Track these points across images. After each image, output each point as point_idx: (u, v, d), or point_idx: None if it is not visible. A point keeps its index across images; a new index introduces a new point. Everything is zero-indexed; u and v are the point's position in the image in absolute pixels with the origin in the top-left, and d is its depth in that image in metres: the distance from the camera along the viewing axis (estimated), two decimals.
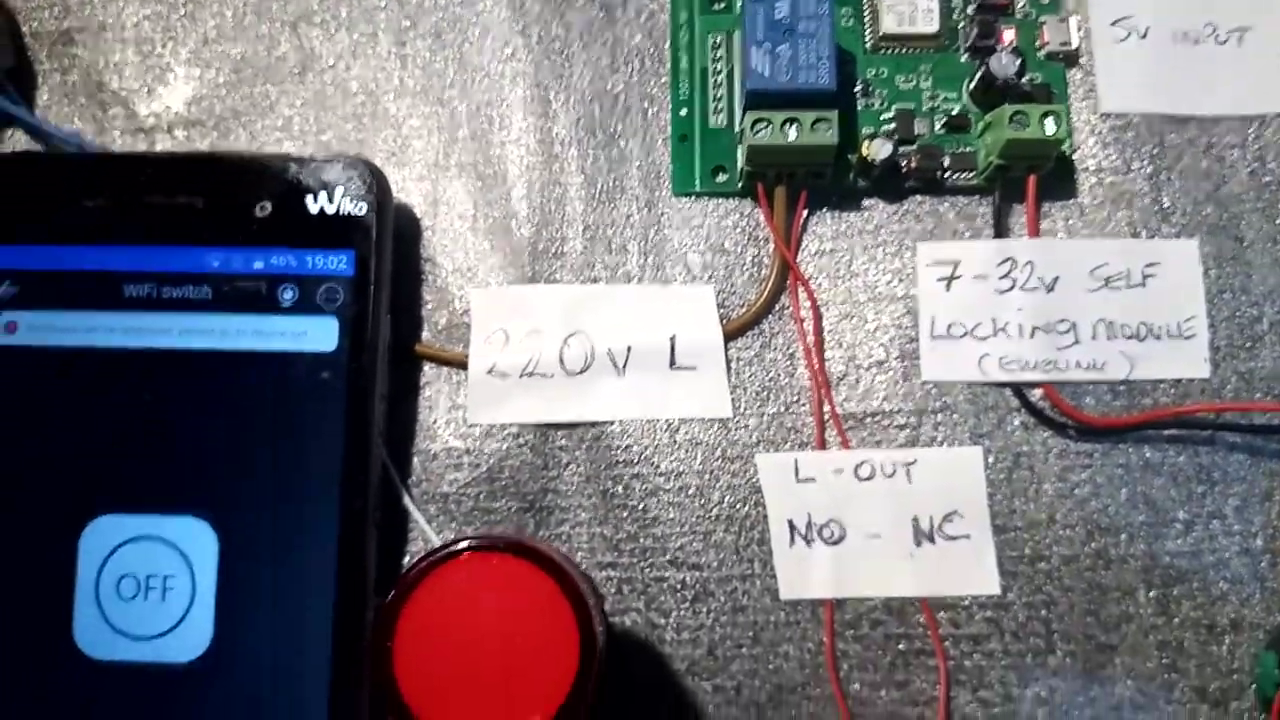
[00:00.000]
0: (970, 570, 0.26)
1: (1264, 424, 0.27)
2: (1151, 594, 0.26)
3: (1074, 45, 0.28)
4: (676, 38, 0.29)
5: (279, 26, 0.29)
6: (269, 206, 0.26)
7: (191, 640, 0.25)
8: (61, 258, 0.27)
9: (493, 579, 0.20)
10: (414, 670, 0.19)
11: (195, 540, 0.25)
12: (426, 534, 0.26)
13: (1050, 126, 0.26)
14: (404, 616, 0.19)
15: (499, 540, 0.20)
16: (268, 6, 0.30)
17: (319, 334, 0.26)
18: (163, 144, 0.29)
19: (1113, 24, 0.28)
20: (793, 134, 0.26)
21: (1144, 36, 0.28)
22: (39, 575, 0.25)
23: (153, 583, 0.25)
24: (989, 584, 0.26)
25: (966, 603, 0.26)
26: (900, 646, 0.26)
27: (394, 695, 0.19)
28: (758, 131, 0.26)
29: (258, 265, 0.26)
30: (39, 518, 0.26)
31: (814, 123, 0.26)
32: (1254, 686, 0.26)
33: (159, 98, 0.29)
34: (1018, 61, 0.27)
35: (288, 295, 0.26)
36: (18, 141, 0.29)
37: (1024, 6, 0.28)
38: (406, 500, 0.27)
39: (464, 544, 0.20)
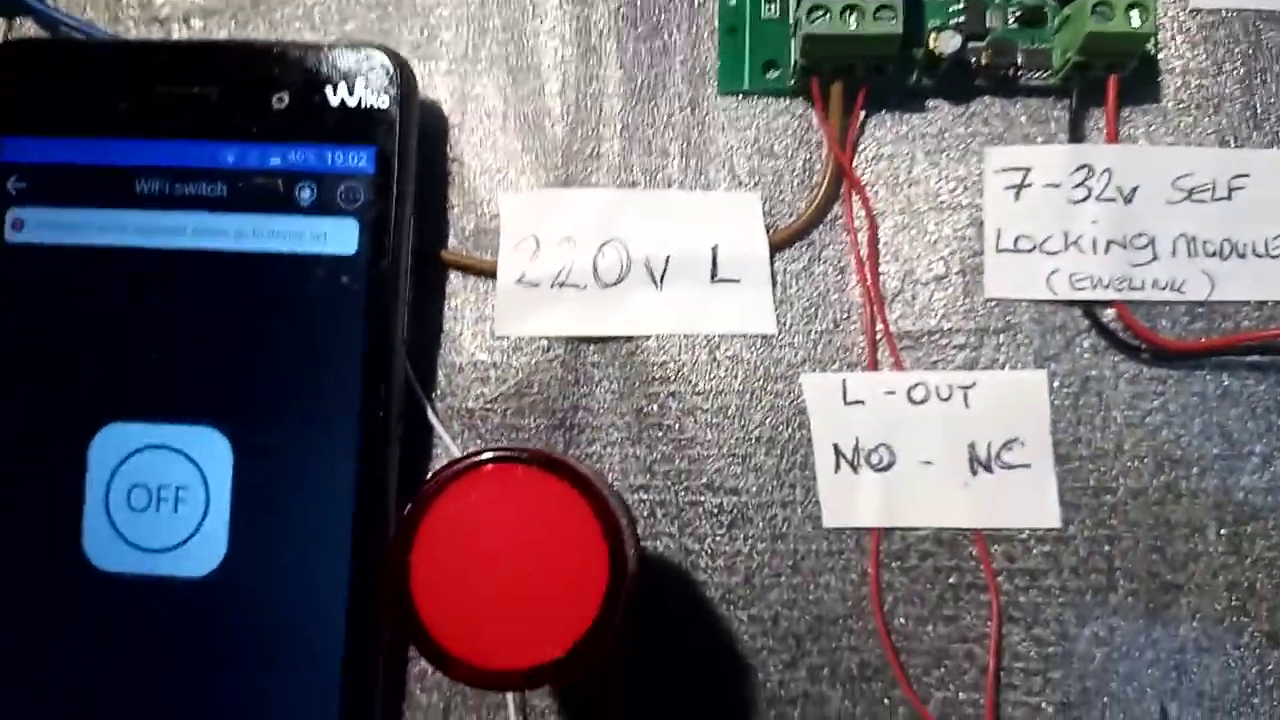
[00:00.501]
0: (1029, 502, 0.24)
1: None
2: (1223, 531, 0.24)
3: None
4: None
5: None
6: (286, 98, 0.25)
7: (205, 553, 0.24)
8: (70, 151, 0.25)
9: (518, 493, 0.18)
10: (431, 586, 0.18)
11: (209, 450, 0.24)
12: (450, 450, 0.25)
13: (1136, 19, 0.23)
14: (423, 528, 0.18)
15: (526, 452, 0.18)
16: None
17: (338, 236, 0.24)
18: (178, 34, 0.28)
19: None
20: (853, 22, 0.24)
21: None
22: (47, 484, 0.24)
23: (165, 494, 0.24)
24: (1049, 517, 0.24)
25: (1024, 536, 0.24)
26: (950, 580, 0.24)
27: (409, 611, 0.18)
28: (815, 19, 0.24)
29: (274, 161, 0.25)
30: (46, 424, 0.25)
31: (877, 10, 0.24)
32: None
33: None
34: None
35: (305, 194, 0.25)
36: (27, 30, 0.28)
37: None
38: (430, 414, 0.25)
39: (489, 454, 0.18)
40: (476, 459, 0.18)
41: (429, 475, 0.25)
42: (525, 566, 0.18)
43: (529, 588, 0.18)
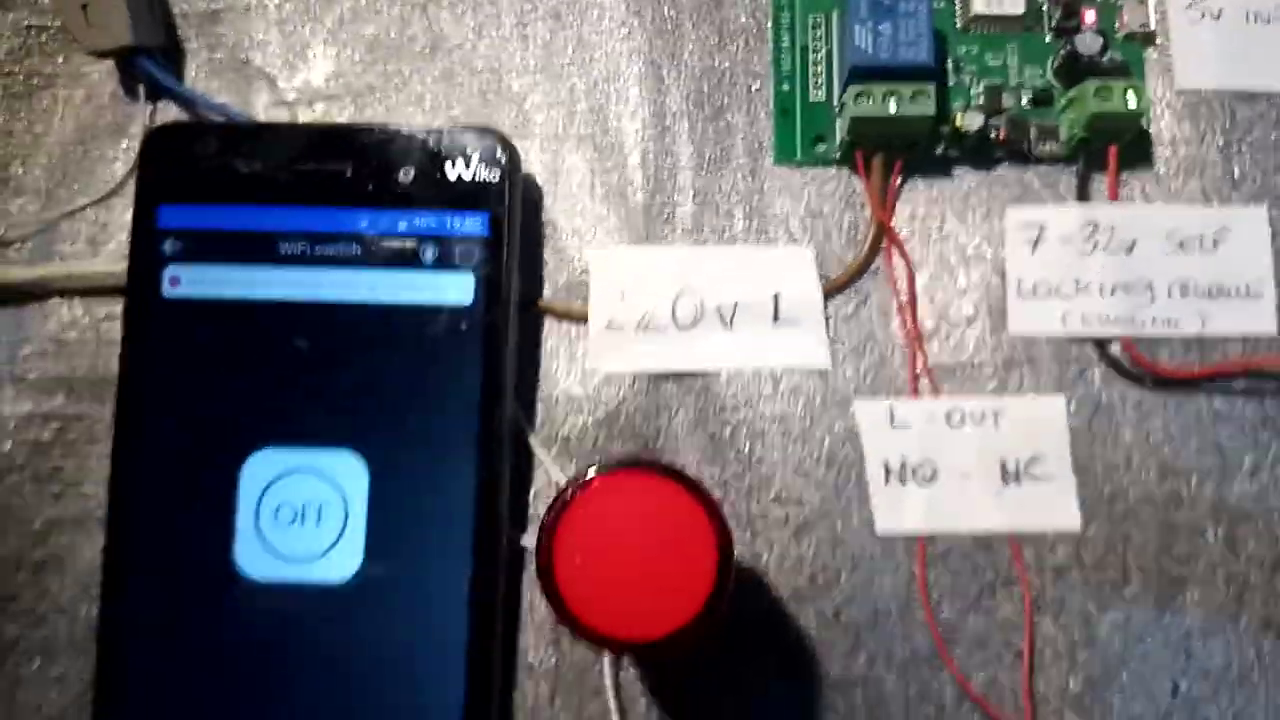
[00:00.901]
0: (1053, 508, 0.28)
1: None
2: (1220, 532, 0.28)
3: (1151, 26, 0.30)
4: (779, 17, 0.31)
5: (410, 8, 0.32)
6: (411, 172, 0.29)
7: (344, 562, 0.28)
8: (220, 217, 0.29)
9: (639, 494, 0.22)
10: (570, 569, 0.22)
11: (347, 471, 0.28)
12: (551, 471, 0.29)
13: (1133, 100, 0.28)
14: (562, 526, 0.22)
15: (644, 461, 0.22)
16: None
17: (457, 288, 0.29)
18: (304, 116, 0.32)
19: (1188, 7, 0.30)
20: (893, 106, 0.28)
21: (1218, 18, 0.30)
22: (204, 503, 0.28)
23: (308, 510, 0.28)
24: (1070, 520, 0.28)
25: (1049, 537, 0.28)
26: (987, 577, 0.28)
27: (554, 588, 0.22)
28: (860, 103, 0.28)
29: (402, 226, 0.29)
30: (204, 451, 0.28)
31: (913, 95, 0.28)
32: None
33: (300, 73, 0.32)
34: (1101, 40, 0.29)
35: (429, 253, 0.29)
36: (169, 113, 0.32)
37: None
38: (532, 440, 0.29)
39: (614, 463, 0.22)
40: (613, 465, 0.22)
41: (531, 498, 0.28)
42: (648, 556, 0.22)
43: (652, 574, 0.22)
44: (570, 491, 0.22)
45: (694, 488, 0.22)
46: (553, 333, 0.30)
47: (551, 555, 0.22)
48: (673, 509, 0.22)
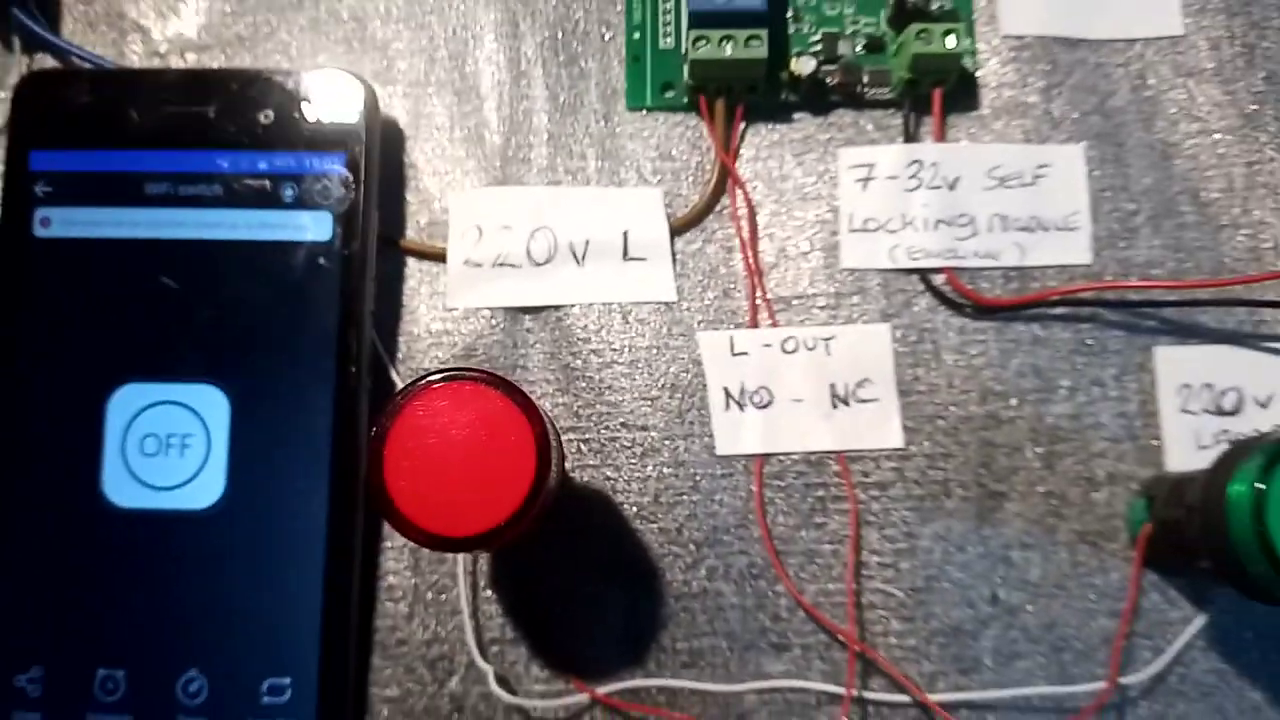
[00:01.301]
0: (878, 427, 0.30)
1: (1138, 300, 0.31)
2: (1038, 450, 0.30)
3: None
4: None
5: None
6: (271, 115, 0.30)
7: (207, 490, 0.29)
8: (89, 161, 0.30)
9: (468, 402, 0.24)
10: (399, 474, 0.23)
11: (210, 404, 0.29)
12: None
13: (951, 41, 0.30)
14: (393, 430, 0.23)
15: (476, 371, 0.24)
16: None
17: (316, 226, 0.30)
18: (176, 64, 0.33)
19: None
20: (729, 50, 0.30)
21: None
22: (72, 436, 0.29)
23: (172, 441, 0.29)
24: (894, 439, 0.30)
25: (875, 455, 0.30)
26: (819, 494, 0.30)
27: (383, 493, 0.23)
28: (699, 47, 0.30)
29: (262, 166, 0.30)
30: (71, 386, 0.29)
31: (747, 39, 0.30)
32: (1126, 529, 0.30)
33: (172, 24, 0.33)
34: None
35: (288, 192, 0.30)
36: (44, 63, 0.33)
37: None
38: (394, 374, 0.31)
39: (446, 372, 0.24)
40: (436, 375, 0.24)
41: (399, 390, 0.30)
42: (471, 460, 0.23)
43: (473, 476, 0.23)
44: (398, 400, 0.24)
45: (514, 392, 0.24)
46: (414, 271, 0.32)
47: (381, 460, 0.23)
48: (494, 414, 0.23)
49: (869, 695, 0.29)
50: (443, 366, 0.25)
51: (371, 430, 0.24)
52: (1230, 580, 0.26)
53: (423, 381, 0.24)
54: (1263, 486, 0.24)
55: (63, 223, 0.30)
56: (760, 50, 0.30)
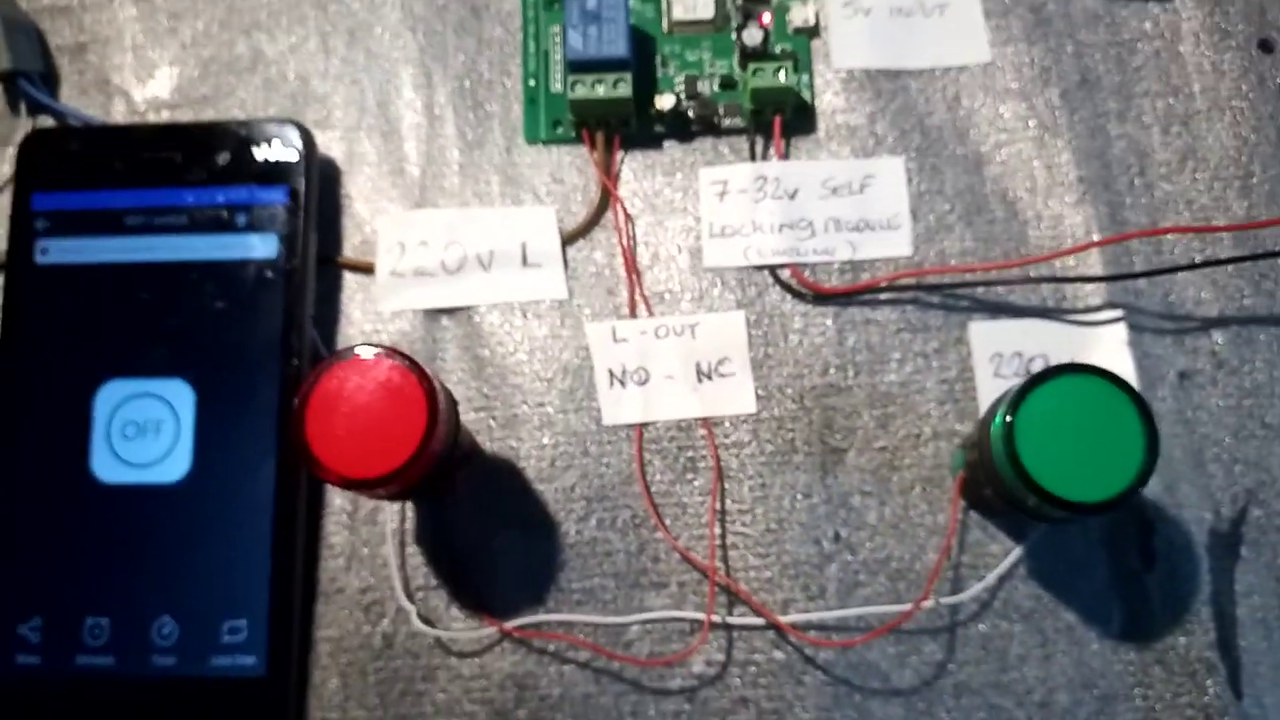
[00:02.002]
0: (736, 397, 0.36)
1: (954, 283, 0.36)
2: (873, 413, 0.36)
3: (814, 22, 0.38)
4: (526, 29, 0.39)
5: (236, 34, 0.40)
6: (227, 156, 0.37)
7: (176, 466, 0.35)
8: (81, 200, 0.37)
9: (373, 371, 0.29)
10: (318, 429, 0.29)
11: (179, 395, 0.35)
12: None
13: (783, 76, 0.36)
14: (314, 395, 0.29)
15: (380, 347, 0.30)
16: (227, 20, 0.40)
17: (263, 246, 0.36)
18: (154, 118, 0.39)
19: (844, 5, 0.39)
20: (600, 90, 0.36)
21: (868, 14, 0.38)
22: (66, 424, 0.35)
23: (148, 426, 0.35)
24: (749, 406, 0.36)
25: (733, 420, 0.36)
26: (689, 454, 0.36)
27: (305, 448, 0.29)
28: (577, 89, 0.36)
29: (220, 199, 0.36)
30: (65, 383, 0.35)
31: (615, 82, 0.36)
32: (950, 475, 0.35)
33: (149, 88, 0.40)
34: (762, 34, 0.37)
35: (241, 219, 0.36)
36: (45, 123, 0.40)
37: None
38: None
39: (355, 348, 0.30)
40: (347, 351, 0.30)
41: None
42: (376, 417, 0.29)
43: (378, 430, 0.29)
44: (318, 370, 0.29)
45: (410, 363, 0.29)
46: (349, 282, 0.38)
47: (304, 418, 0.29)
48: (394, 379, 0.29)
49: (731, 620, 0.34)
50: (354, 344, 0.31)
51: (295, 398, 0.30)
52: (1010, 504, 0.31)
53: (334, 356, 0.30)
54: (1010, 419, 0.29)
55: (58, 251, 0.37)
56: (626, 90, 0.36)
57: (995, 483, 0.31)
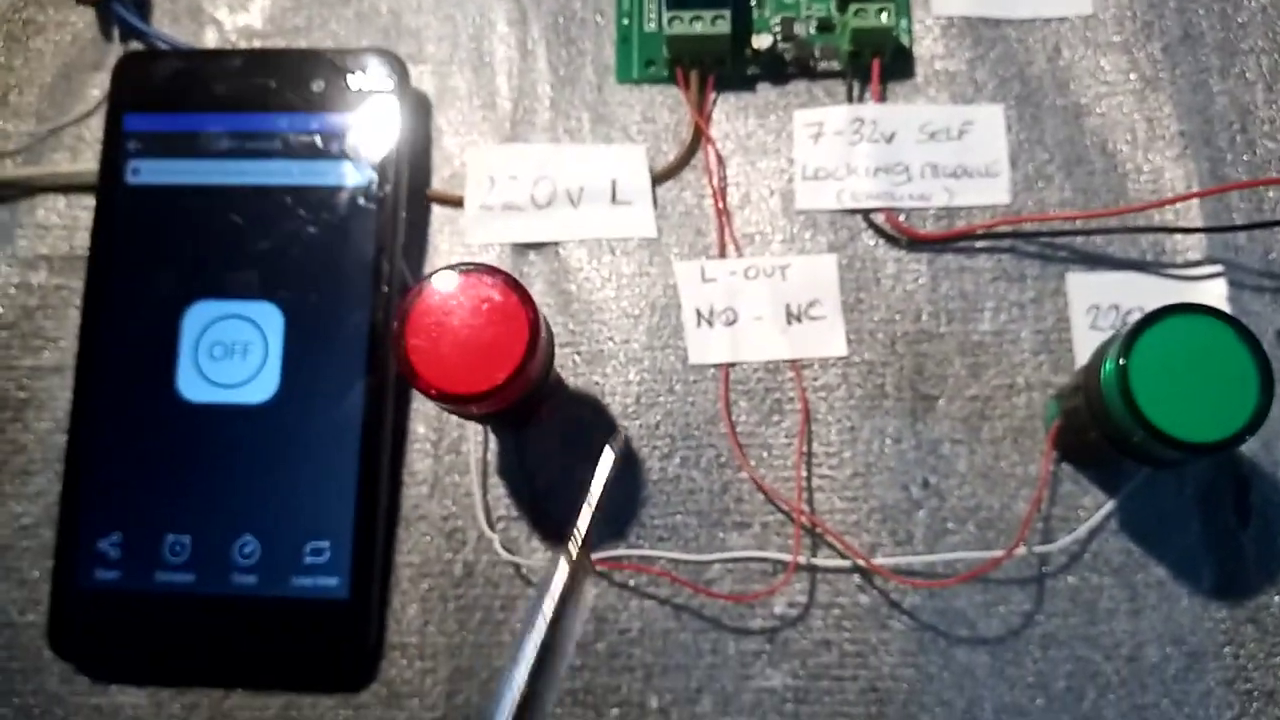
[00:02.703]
0: (825, 340, 0.35)
1: (1051, 231, 0.36)
2: (965, 361, 0.35)
3: None
4: None
5: None
6: (322, 84, 0.37)
7: (263, 388, 0.35)
8: (172, 122, 0.37)
9: (475, 288, 0.29)
10: (418, 344, 0.29)
11: (268, 318, 0.35)
12: None
13: (884, 17, 0.36)
14: (414, 310, 0.29)
15: (482, 265, 0.29)
16: None
17: (357, 174, 0.36)
18: (244, 45, 0.40)
19: None
20: (698, 26, 0.36)
21: None
22: (153, 344, 0.35)
23: (236, 348, 0.35)
24: (839, 349, 0.35)
25: (823, 362, 0.35)
26: (775, 396, 0.35)
27: (404, 360, 0.29)
28: (674, 25, 0.36)
29: (314, 125, 0.36)
30: (154, 303, 0.36)
31: (714, 19, 0.36)
32: (1044, 426, 0.35)
33: (241, 18, 0.40)
34: None
35: (334, 146, 0.36)
36: (137, 48, 0.40)
37: None
38: None
39: (457, 265, 0.29)
40: (448, 267, 0.29)
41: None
42: (478, 333, 0.29)
43: (479, 346, 0.29)
44: (421, 284, 0.29)
45: (514, 283, 0.29)
46: (439, 215, 0.38)
47: (404, 333, 0.29)
48: (496, 297, 0.29)
49: (817, 562, 0.34)
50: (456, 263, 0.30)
51: (396, 314, 0.29)
52: (1118, 448, 0.31)
53: (436, 272, 0.29)
54: (1123, 362, 0.29)
55: (150, 172, 0.37)
56: (724, 27, 0.36)
57: (1104, 426, 0.30)
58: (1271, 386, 0.28)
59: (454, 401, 0.29)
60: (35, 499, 0.36)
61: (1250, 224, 0.36)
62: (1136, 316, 0.35)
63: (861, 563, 0.33)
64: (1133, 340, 0.29)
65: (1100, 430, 0.31)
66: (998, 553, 0.33)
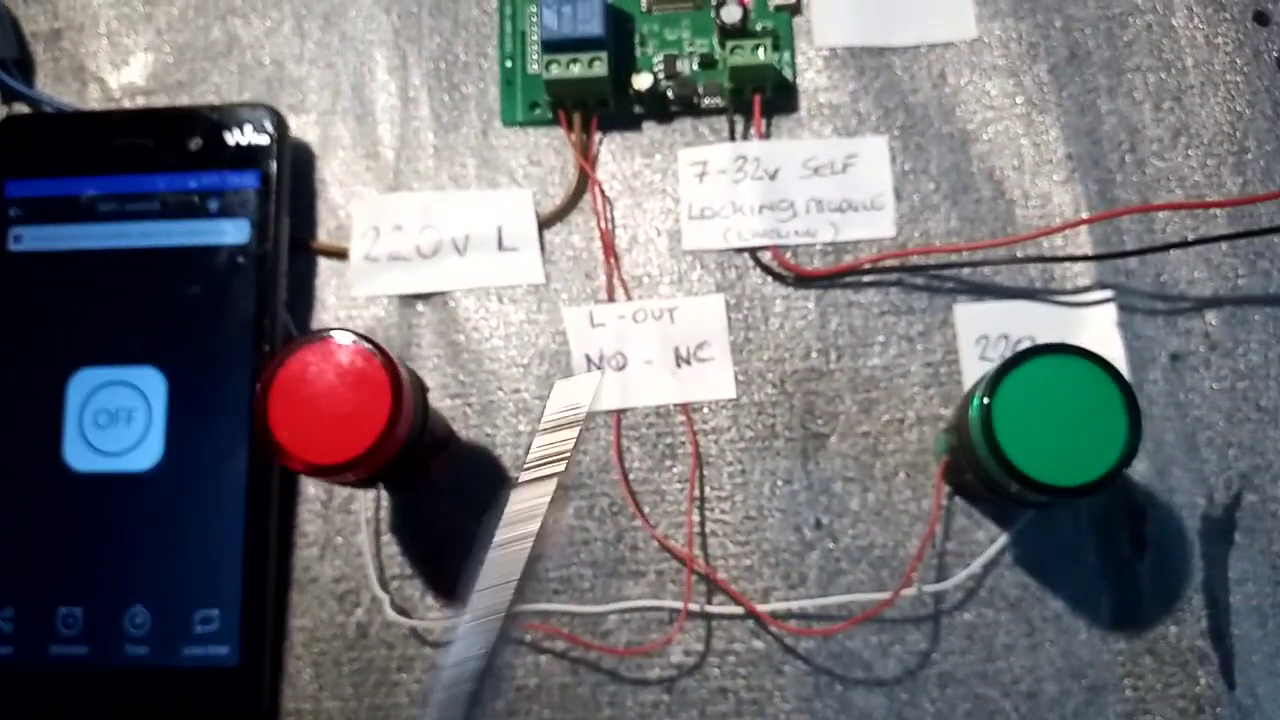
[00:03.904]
0: (715, 382, 0.35)
1: (938, 264, 0.35)
2: (856, 397, 0.35)
3: (794, 0, 0.38)
4: (503, 9, 0.38)
5: (211, 19, 0.39)
6: (199, 141, 0.36)
7: (148, 454, 0.34)
8: (54, 187, 0.37)
9: (336, 355, 0.29)
10: (281, 415, 0.28)
11: (151, 383, 0.35)
12: None
13: (761, 54, 0.35)
14: (275, 382, 0.29)
15: (344, 330, 0.29)
16: (202, 5, 0.40)
17: (236, 231, 0.36)
18: (128, 104, 0.39)
19: None
20: (575, 70, 0.35)
21: None
22: (38, 412, 0.35)
23: (120, 414, 0.35)
24: (728, 391, 0.35)
25: (712, 405, 0.35)
26: (667, 440, 0.35)
27: (268, 434, 0.28)
28: (552, 69, 0.36)
29: (191, 184, 0.36)
30: (38, 371, 0.35)
31: (590, 61, 0.35)
32: (934, 460, 0.34)
33: (124, 74, 0.39)
34: (741, 11, 0.36)
35: (213, 205, 0.36)
36: (20, 110, 0.39)
37: None
38: None
39: (320, 331, 0.29)
40: (310, 335, 0.29)
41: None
42: (339, 402, 0.29)
43: (341, 415, 0.29)
44: (280, 355, 0.29)
45: (374, 346, 0.29)
46: (324, 267, 0.37)
47: (266, 404, 0.29)
48: (356, 363, 0.29)
49: (710, 609, 0.34)
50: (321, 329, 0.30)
51: (258, 383, 0.29)
52: (992, 489, 0.30)
53: (296, 341, 0.29)
54: (988, 401, 0.28)
55: (32, 239, 0.36)
56: (601, 69, 0.35)
57: (975, 467, 0.30)
58: (1140, 425, 0.28)
59: (323, 473, 0.29)
60: None
61: (1141, 249, 0.35)
62: (1028, 345, 0.35)
63: (754, 610, 0.33)
64: (997, 382, 0.28)
65: (974, 472, 0.31)
66: (885, 595, 0.32)
